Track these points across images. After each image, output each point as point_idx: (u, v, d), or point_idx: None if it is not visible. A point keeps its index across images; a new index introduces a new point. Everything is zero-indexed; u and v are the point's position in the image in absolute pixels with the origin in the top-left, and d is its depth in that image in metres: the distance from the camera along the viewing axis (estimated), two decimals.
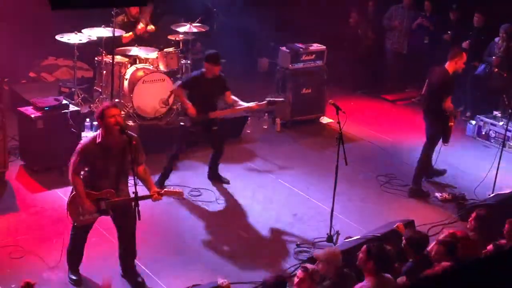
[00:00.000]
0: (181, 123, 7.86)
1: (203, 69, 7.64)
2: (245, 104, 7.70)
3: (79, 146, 5.63)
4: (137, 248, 5.99)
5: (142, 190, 5.79)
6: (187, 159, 8.73)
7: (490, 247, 5.57)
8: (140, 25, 9.40)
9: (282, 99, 8.07)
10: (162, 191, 5.80)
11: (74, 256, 5.95)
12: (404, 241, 5.70)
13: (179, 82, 7.87)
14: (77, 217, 5.72)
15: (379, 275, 5.08)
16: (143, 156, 5.76)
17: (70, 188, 5.82)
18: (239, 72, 11.96)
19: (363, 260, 5.12)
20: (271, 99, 7.99)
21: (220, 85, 7.71)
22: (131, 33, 9.35)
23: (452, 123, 8.10)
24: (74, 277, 5.93)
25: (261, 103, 7.78)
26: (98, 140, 5.55)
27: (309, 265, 5.21)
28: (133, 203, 5.48)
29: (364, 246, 5.20)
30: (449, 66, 7.93)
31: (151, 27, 9.53)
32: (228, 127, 9.54)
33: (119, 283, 5.98)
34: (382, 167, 8.92)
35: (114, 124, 5.45)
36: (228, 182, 8.07)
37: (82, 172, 5.64)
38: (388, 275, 5.15)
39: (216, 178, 8.09)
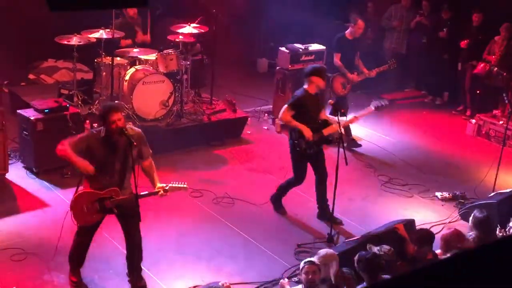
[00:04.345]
0: (297, 148, 7.09)
1: (305, 86, 7.13)
2: (348, 119, 7.38)
3: (85, 133, 5.61)
4: None
5: (147, 187, 5.78)
6: (187, 159, 8.74)
7: None
8: (139, 34, 9.49)
9: (387, 102, 7.62)
10: (167, 187, 5.72)
11: (77, 258, 5.93)
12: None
13: (284, 107, 7.14)
14: (81, 218, 5.67)
15: (376, 279, 5.09)
16: (148, 150, 5.70)
17: (71, 189, 5.82)
18: (238, 73, 11.99)
19: (358, 271, 5.16)
20: (377, 105, 7.44)
21: (321, 100, 7.41)
22: (129, 40, 9.38)
23: (352, 77, 9.17)
24: (74, 279, 5.92)
25: (368, 108, 7.42)
26: (102, 134, 5.54)
27: (312, 258, 5.25)
28: (135, 203, 5.47)
29: (357, 257, 5.19)
30: (348, 31, 9.25)
31: (146, 38, 9.62)
32: (229, 127, 9.58)
33: (119, 284, 5.98)
34: (382, 167, 8.93)
35: (114, 129, 5.44)
36: (341, 223, 7.30)
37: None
38: (387, 276, 5.15)
39: (327, 218, 7.22)
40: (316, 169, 7.30)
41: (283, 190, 7.51)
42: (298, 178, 7.28)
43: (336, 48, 9.26)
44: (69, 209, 5.63)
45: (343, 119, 7.08)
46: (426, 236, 5.77)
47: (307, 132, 6.96)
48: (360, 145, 9.50)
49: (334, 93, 9.20)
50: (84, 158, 5.48)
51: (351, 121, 7.54)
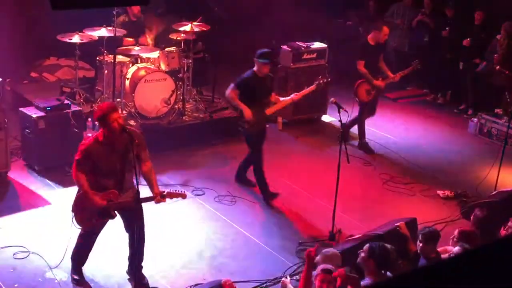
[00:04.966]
0: (240, 129, 7.69)
1: (254, 69, 7.55)
2: (289, 97, 7.80)
3: (82, 145, 5.55)
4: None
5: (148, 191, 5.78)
6: (189, 158, 8.74)
7: None
8: (148, 39, 9.54)
9: (329, 79, 8.22)
10: (165, 193, 5.68)
11: (79, 258, 5.93)
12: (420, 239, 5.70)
13: (231, 85, 7.56)
14: (84, 222, 5.67)
15: (380, 274, 5.08)
16: (146, 153, 5.68)
17: (72, 188, 5.83)
18: (240, 71, 11.97)
19: (365, 259, 5.12)
20: (320, 81, 7.92)
21: (269, 84, 7.77)
22: (132, 39, 9.40)
23: (378, 84, 9.07)
24: (76, 277, 5.92)
25: (311, 86, 7.92)
26: (101, 139, 5.52)
27: (328, 266, 5.16)
28: (137, 203, 5.47)
29: (367, 245, 5.18)
30: (370, 36, 9.06)
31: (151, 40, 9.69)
32: (230, 126, 9.56)
33: (120, 283, 5.99)
34: (384, 165, 8.93)
35: (117, 128, 5.43)
36: (254, 185, 7.94)
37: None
38: (389, 274, 5.15)
39: (243, 182, 8.06)
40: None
41: (261, 180, 7.72)
42: (257, 153, 7.72)
43: (359, 55, 9.08)
44: (72, 212, 5.64)
45: (286, 98, 7.77)
46: (434, 234, 5.78)
47: (247, 112, 7.37)
48: (373, 151, 9.37)
49: (359, 100, 9.13)
50: (88, 164, 5.50)
51: (292, 99, 7.80)
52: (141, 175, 5.65)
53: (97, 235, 5.85)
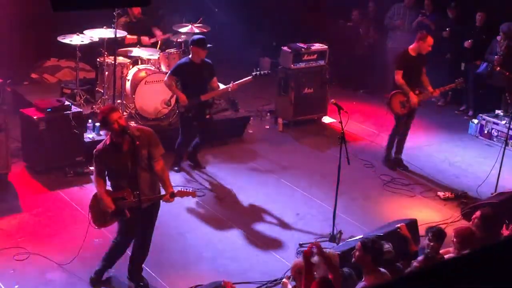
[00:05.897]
0: (176, 111, 8.33)
1: (190, 55, 7.92)
2: (226, 86, 8.06)
3: (95, 150, 5.64)
4: None
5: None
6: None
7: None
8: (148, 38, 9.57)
9: (268, 71, 8.41)
10: (176, 192, 5.68)
11: (110, 262, 5.97)
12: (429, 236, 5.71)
13: (168, 73, 8.13)
14: (99, 220, 5.71)
15: (378, 271, 5.08)
16: (159, 151, 5.66)
17: (73, 188, 5.84)
18: (240, 72, 11.98)
19: (360, 256, 5.13)
20: (257, 73, 8.08)
21: (209, 71, 8.00)
22: (135, 37, 9.39)
23: (406, 98, 8.55)
24: (95, 277, 5.93)
25: (248, 78, 8.08)
26: (108, 142, 5.56)
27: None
28: (145, 203, 5.51)
29: (359, 243, 5.19)
30: (412, 46, 8.61)
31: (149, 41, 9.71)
32: (231, 127, 9.58)
33: (121, 283, 5.99)
34: (384, 166, 8.91)
35: (118, 129, 5.45)
36: (204, 167, 8.45)
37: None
38: (385, 271, 5.15)
39: (194, 162, 8.48)
40: (199, 132, 8.24)
41: (178, 153, 8.28)
42: (185, 140, 8.22)
43: (398, 64, 8.63)
44: (88, 209, 5.71)
45: (224, 86, 8.09)
46: (442, 232, 5.79)
47: (181, 98, 7.89)
48: (407, 167, 8.95)
49: (393, 112, 8.68)
50: (103, 170, 5.61)
51: (231, 87, 8.05)
52: (156, 175, 5.66)
53: (131, 241, 5.89)
